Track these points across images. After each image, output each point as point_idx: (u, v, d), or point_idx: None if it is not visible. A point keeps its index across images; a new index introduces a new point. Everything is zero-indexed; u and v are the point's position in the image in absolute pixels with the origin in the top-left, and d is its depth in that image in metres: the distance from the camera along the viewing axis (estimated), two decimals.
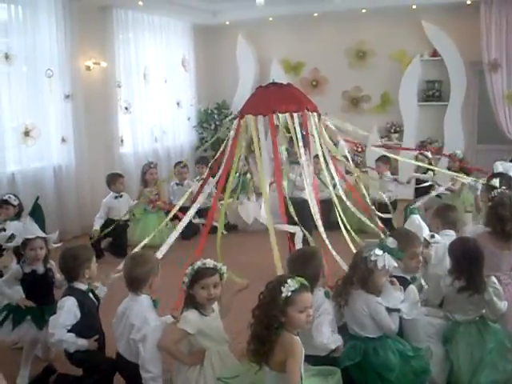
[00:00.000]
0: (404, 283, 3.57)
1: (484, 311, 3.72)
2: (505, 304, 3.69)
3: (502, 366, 3.61)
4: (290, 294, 2.74)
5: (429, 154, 7.88)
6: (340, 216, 5.34)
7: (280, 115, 5.13)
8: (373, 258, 3.28)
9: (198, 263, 3.31)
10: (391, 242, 3.48)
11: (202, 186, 5.66)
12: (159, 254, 4.49)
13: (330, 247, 4.78)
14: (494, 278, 3.73)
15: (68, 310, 3.63)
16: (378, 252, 3.26)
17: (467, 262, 3.64)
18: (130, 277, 3.53)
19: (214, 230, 5.53)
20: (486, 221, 4.50)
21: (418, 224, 3.77)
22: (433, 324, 3.74)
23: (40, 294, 4.18)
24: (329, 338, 3.33)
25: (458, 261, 3.66)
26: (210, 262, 3.33)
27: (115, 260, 6.09)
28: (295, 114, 5.14)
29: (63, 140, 8.23)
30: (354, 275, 3.45)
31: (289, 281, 2.78)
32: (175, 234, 4.93)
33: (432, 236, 3.70)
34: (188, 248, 4.67)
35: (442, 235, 4.22)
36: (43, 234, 4.20)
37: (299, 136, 5.10)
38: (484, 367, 3.58)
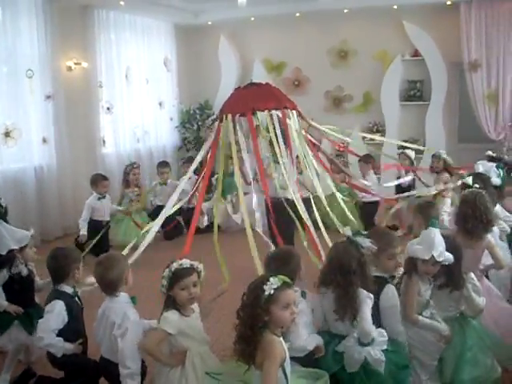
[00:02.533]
0: (382, 283, 3.54)
1: (463, 308, 3.75)
2: (483, 300, 3.73)
3: (483, 361, 3.66)
4: (272, 291, 2.74)
5: (411, 155, 7.92)
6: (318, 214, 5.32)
7: (259, 115, 5.13)
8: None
9: (175, 264, 3.29)
10: (364, 241, 3.45)
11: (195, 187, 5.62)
12: (134, 256, 4.41)
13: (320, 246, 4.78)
14: (472, 274, 3.78)
15: (57, 314, 3.59)
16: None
17: None
18: (103, 281, 3.50)
19: (197, 230, 5.51)
20: (454, 219, 4.54)
21: (432, 238, 3.57)
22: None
23: (24, 296, 4.15)
24: (306, 340, 3.31)
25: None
26: (186, 262, 3.31)
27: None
28: (274, 113, 5.14)
29: (44, 140, 8.18)
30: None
31: (271, 279, 2.78)
32: (151, 235, 4.83)
33: (441, 253, 3.59)
34: (171, 248, 4.63)
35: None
36: (26, 240, 4.19)
37: (279, 135, 5.10)
38: (465, 364, 3.62)
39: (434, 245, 3.57)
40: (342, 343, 3.35)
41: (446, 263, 3.58)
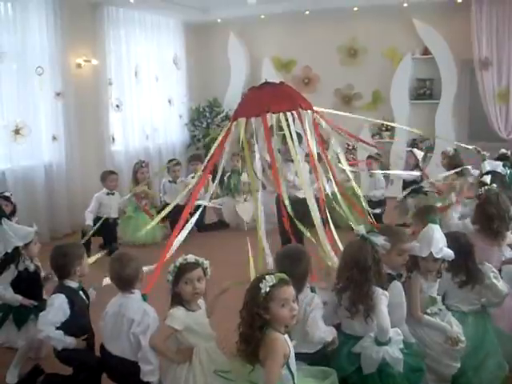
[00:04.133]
0: (389, 280, 3.55)
1: (483, 300, 3.77)
2: (506, 286, 3.77)
3: (496, 359, 3.70)
4: (268, 289, 2.74)
5: (418, 154, 7.88)
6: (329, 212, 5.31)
7: (273, 116, 5.11)
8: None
9: (180, 259, 3.32)
10: (378, 239, 3.47)
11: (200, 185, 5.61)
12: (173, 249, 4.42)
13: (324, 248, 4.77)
14: (488, 264, 3.80)
15: (57, 307, 3.61)
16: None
17: (463, 259, 3.69)
18: (120, 278, 3.53)
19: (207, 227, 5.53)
20: (474, 218, 4.53)
21: (431, 235, 3.60)
22: None
23: (33, 292, 4.19)
24: (325, 332, 3.36)
25: (455, 258, 3.64)
26: (191, 257, 3.34)
27: (105, 258, 6.06)
28: (289, 114, 5.12)
29: (54, 138, 8.20)
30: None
31: (267, 277, 2.78)
32: (183, 234, 4.82)
33: (440, 250, 3.61)
34: (180, 246, 4.61)
35: None
36: (31, 237, 4.22)
37: (294, 134, 5.09)
38: (489, 354, 3.67)
39: (433, 242, 3.59)
40: (359, 344, 3.36)
41: (449, 260, 3.61)
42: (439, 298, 3.73)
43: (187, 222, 4.73)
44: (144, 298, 3.57)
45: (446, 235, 3.79)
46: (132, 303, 3.50)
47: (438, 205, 5.67)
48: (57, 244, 3.99)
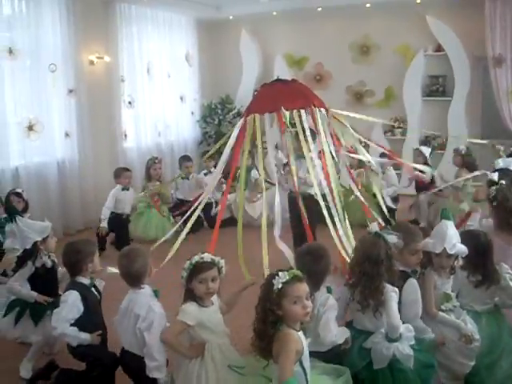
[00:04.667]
0: (404, 277, 3.55)
1: (497, 299, 3.76)
2: None
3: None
4: (280, 286, 2.73)
5: (426, 151, 7.83)
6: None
7: (287, 113, 5.10)
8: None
9: (196, 257, 3.31)
10: (392, 238, 3.47)
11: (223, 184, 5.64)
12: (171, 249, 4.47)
13: (338, 244, 4.79)
14: (505, 265, 3.77)
15: (71, 304, 3.64)
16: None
17: (481, 258, 3.68)
18: (129, 273, 3.54)
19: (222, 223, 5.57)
20: (493, 215, 4.51)
21: (444, 231, 3.58)
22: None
23: (49, 287, 4.23)
24: (336, 335, 3.36)
25: (472, 257, 3.64)
26: (207, 256, 3.33)
27: (117, 254, 6.11)
28: (302, 111, 5.12)
29: (67, 135, 8.23)
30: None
31: (280, 273, 2.77)
32: (186, 230, 4.88)
33: (453, 246, 3.60)
34: (192, 242, 4.65)
35: None
36: (48, 231, 4.25)
37: (307, 131, 5.09)
38: (503, 353, 3.66)
39: (447, 238, 3.57)
40: (370, 339, 3.37)
41: (466, 257, 3.60)
42: (453, 295, 3.71)
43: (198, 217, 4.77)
44: (156, 293, 3.58)
45: (466, 233, 3.79)
46: (140, 299, 3.52)
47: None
48: (69, 241, 4.01)
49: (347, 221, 5.20)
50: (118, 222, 7.12)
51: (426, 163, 7.61)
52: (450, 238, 3.57)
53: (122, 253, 3.68)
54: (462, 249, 3.58)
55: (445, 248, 3.55)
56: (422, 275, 3.73)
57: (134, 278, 3.55)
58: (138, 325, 3.41)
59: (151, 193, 7.68)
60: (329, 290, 3.49)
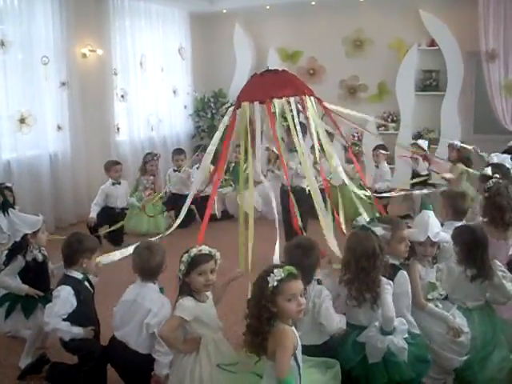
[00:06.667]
0: (395, 270, 3.56)
1: (488, 295, 3.79)
2: None
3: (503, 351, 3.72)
4: (276, 283, 2.71)
5: (424, 145, 7.84)
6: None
7: (276, 103, 5.08)
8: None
9: (194, 250, 3.30)
10: (379, 230, 3.50)
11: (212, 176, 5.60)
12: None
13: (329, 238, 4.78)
14: (498, 262, 3.81)
15: (64, 299, 3.63)
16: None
17: (480, 251, 3.69)
18: (148, 266, 3.56)
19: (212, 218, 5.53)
20: (484, 211, 4.53)
21: (426, 220, 3.68)
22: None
23: (41, 281, 4.21)
24: (340, 321, 3.41)
25: (470, 250, 3.68)
26: (205, 249, 3.32)
27: (112, 248, 6.11)
28: (292, 100, 5.10)
29: (59, 128, 8.21)
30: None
31: (275, 270, 2.75)
32: (177, 222, 4.88)
33: (437, 234, 3.66)
34: (185, 236, 4.64)
35: (449, 226, 4.18)
36: (39, 225, 4.23)
37: (297, 124, 5.07)
38: (495, 347, 3.68)
39: (429, 226, 3.68)
40: (364, 333, 3.39)
41: (464, 252, 3.64)
42: (438, 284, 3.76)
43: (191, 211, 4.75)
44: (161, 290, 3.61)
45: (463, 227, 3.84)
46: (151, 293, 3.54)
47: None
48: (76, 231, 4.04)
49: (341, 213, 5.19)
50: (112, 216, 7.10)
51: (425, 156, 7.62)
52: (433, 227, 3.69)
53: (143, 246, 3.69)
54: (446, 237, 3.70)
55: (428, 236, 3.64)
56: (406, 266, 3.74)
57: (151, 272, 3.58)
58: (148, 320, 3.42)
59: (147, 203, 7.66)
60: (319, 282, 3.50)
